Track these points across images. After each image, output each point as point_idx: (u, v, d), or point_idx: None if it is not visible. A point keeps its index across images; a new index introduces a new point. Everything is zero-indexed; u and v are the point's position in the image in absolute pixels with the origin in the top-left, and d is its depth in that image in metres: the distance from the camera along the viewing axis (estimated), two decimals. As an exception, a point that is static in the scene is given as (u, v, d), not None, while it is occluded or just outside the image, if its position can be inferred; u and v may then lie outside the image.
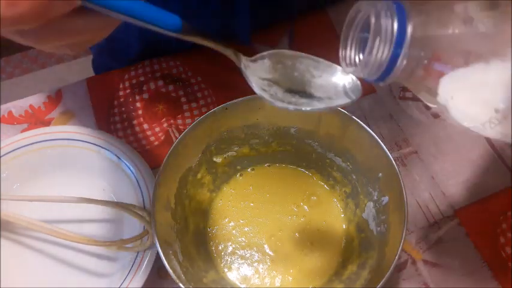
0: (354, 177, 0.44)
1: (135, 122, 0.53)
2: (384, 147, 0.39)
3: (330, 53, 0.56)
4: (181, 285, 0.35)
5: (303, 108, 0.28)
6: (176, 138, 0.51)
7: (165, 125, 0.53)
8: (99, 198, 0.46)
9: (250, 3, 0.51)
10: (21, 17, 0.20)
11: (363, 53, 0.27)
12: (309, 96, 0.29)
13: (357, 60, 0.27)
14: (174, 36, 0.24)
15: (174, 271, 0.35)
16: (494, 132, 0.25)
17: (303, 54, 0.30)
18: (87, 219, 0.47)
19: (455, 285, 0.44)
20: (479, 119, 0.25)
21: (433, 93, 0.25)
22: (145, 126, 0.53)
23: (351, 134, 0.41)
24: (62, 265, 0.45)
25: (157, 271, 0.44)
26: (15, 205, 0.44)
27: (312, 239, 0.44)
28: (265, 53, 0.29)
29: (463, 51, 0.24)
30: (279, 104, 0.28)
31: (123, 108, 0.54)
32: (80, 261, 0.45)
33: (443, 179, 0.49)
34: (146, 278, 0.41)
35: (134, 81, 0.55)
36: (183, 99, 0.54)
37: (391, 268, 0.34)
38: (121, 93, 0.54)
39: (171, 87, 0.55)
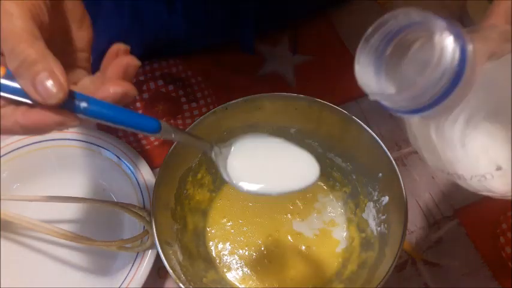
0: (354, 177, 0.44)
1: (135, 122, 0.53)
2: (384, 147, 0.39)
3: (332, 55, 0.57)
4: (181, 285, 0.35)
5: (262, 192, 0.30)
6: (176, 138, 0.51)
7: (165, 125, 0.52)
8: (99, 198, 0.46)
9: (255, 14, 0.51)
10: (33, 134, 0.27)
11: (390, 75, 0.23)
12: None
13: (381, 82, 0.23)
14: (152, 136, 0.30)
15: (174, 271, 0.35)
16: (480, 185, 0.24)
17: (274, 138, 0.32)
18: (87, 219, 0.47)
19: (455, 285, 0.44)
20: (480, 169, 0.23)
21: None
22: (145, 126, 0.53)
23: (351, 134, 0.41)
24: (62, 265, 0.45)
25: (157, 271, 0.44)
26: (15, 205, 0.44)
27: (311, 239, 0.44)
28: (234, 140, 0.33)
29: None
30: (244, 189, 0.30)
31: (123, 108, 0.54)
32: (80, 261, 0.45)
33: (443, 179, 0.49)
34: (146, 278, 0.41)
35: (134, 80, 0.55)
36: (183, 99, 0.54)
37: (391, 268, 0.34)
38: (121, 93, 0.54)
39: (171, 87, 0.55)
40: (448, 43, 0.19)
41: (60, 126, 0.25)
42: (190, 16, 0.51)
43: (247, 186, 0.31)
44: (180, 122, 0.53)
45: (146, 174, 0.46)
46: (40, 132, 0.26)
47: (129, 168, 0.46)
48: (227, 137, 0.44)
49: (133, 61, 0.28)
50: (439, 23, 0.20)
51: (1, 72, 0.25)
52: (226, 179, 0.31)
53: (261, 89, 0.44)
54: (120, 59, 0.28)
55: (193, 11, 0.51)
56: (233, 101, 0.41)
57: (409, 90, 0.20)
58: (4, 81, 0.25)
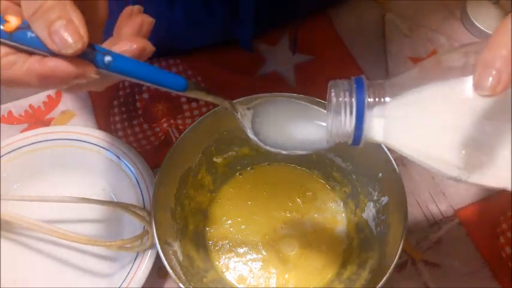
0: (354, 177, 0.44)
1: (135, 122, 0.53)
2: (384, 147, 0.39)
3: (332, 55, 0.57)
4: (181, 285, 0.35)
5: (284, 152, 0.31)
6: (176, 138, 0.51)
7: (165, 125, 0.52)
8: (99, 198, 0.46)
9: (254, 11, 0.51)
10: (48, 86, 0.26)
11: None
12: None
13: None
14: (179, 94, 0.29)
15: (174, 271, 0.35)
16: (473, 181, 0.26)
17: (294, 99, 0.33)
18: (87, 219, 0.47)
19: (455, 285, 0.44)
20: (451, 174, 0.26)
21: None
22: (145, 126, 0.53)
23: (351, 134, 0.41)
24: (62, 265, 0.45)
25: (157, 271, 0.44)
26: (15, 205, 0.44)
27: (311, 239, 0.44)
28: (257, 102, 0.32)
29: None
30: (271, 149, 0.31)
31: (123, 108, 0.54)
32: (80, 261, 0.45)
33: (443, 179, 0.49)
34: (146, 278, 0.41)
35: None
36: (183, 99, 0.54)
37: (391, 268, 0.34)
38: (121, 93, 0.54)
39: (171, 87, 0.55)
40: (345, 102, 0.26)
41: (79, 77, 0.24)
42: (190, 15, 0.51)
43: (270, 145, 0.32)
44: (180, 122, 0.53)
45: (146, 174, 0.46)
46: (58, 82, 0.24)
47: (129, 168, 0.46)
48: (227, 137, 0.44)
49: (147, 18, 0.27)
50: (343, 88, 0.26)
51: (17, 22, 0.24)
52: (253, 138, 0.32)
53: (261, 89, 0.44)
54: (134, 18, 0.27)
55: (193, 10, 0.51)
56: (233, 101, 0.41)
57: (330, 137, 0.28)
58: (20, 32, 0.24)
